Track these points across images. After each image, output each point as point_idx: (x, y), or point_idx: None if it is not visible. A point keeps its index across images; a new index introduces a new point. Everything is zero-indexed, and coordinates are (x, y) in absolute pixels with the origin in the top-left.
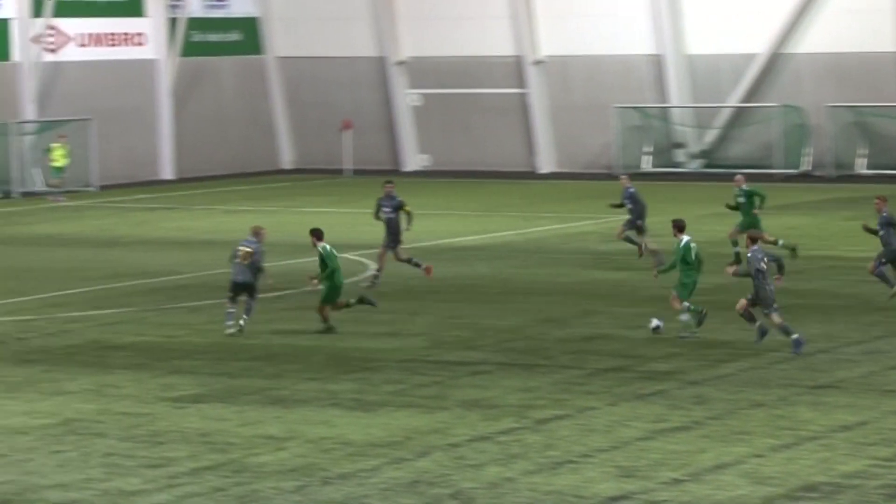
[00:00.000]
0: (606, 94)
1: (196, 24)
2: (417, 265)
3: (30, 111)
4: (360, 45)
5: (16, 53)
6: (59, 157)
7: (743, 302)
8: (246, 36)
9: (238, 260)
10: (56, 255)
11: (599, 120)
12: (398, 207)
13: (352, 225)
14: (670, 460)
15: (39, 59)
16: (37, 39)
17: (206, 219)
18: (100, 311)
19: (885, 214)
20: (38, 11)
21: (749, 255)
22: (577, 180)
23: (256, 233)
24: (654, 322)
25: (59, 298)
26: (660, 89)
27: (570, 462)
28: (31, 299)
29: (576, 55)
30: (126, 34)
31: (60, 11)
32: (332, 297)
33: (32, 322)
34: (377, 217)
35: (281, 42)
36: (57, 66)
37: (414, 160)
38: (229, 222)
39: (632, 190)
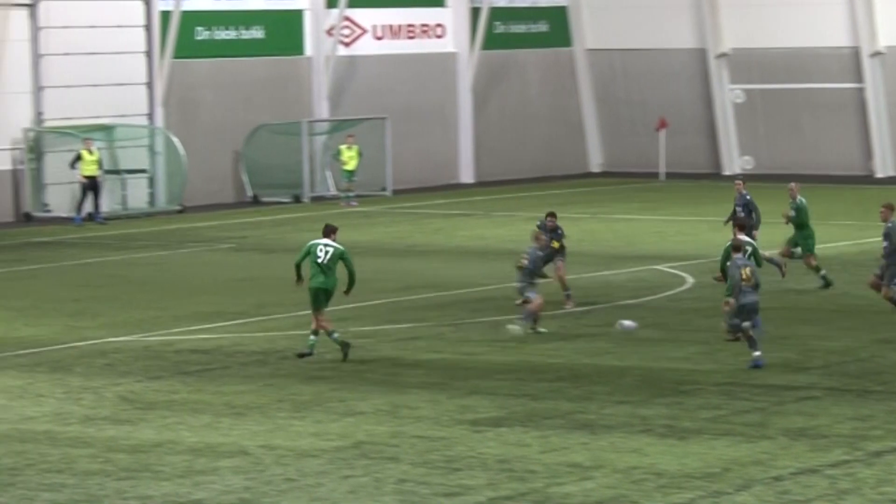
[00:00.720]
0: None
1: (499, 14)
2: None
3: (323, 109)
4: (678, 35)
5: (308, 47)
6: (349, 160)
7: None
8: (553, 27)
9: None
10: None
11: None
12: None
13: (663, 234)
14: None
15: (333, 52)
16: (331, 32)
17: (506, 226)
18: (393, 326)
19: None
20: (332, 2)
21: (729, 263)
22: None
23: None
24: (625, 323)
25: (350, 311)
26: None
27: None
28: None
29: None
30: (425, 26)
31: (356, 2)
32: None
33: (323, 336)
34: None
35: (590, 33)
36: (351, 60)
37: (735, 162)
38: (530, 230)
39: (748, 196)
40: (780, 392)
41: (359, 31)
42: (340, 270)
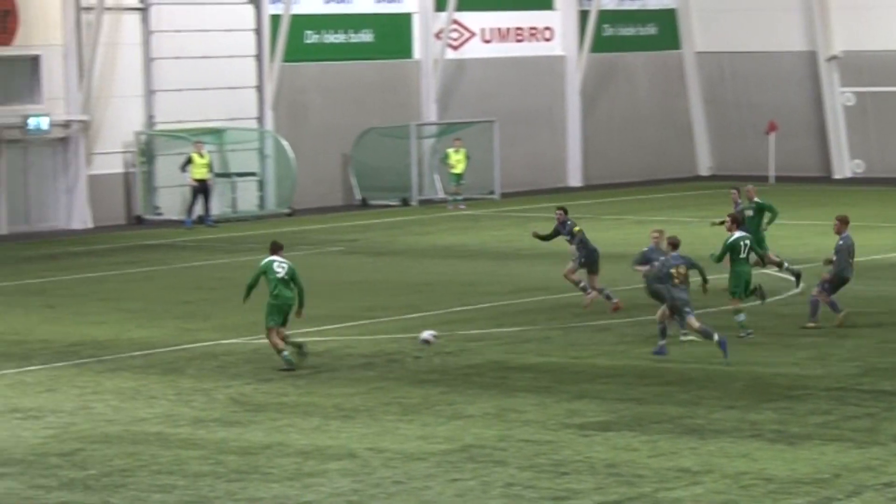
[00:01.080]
0: None
1: (608, 17)
2: None
3: (431, 112)
4: (788, 38)
5: (417, 50)
6: (457, 163)
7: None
8: (661, 30)
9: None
10: (455, 267)
11: None
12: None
13: (773, 237)
14: None
15: (442, 56)
16: (440, 35)
17: (614, 230)
18: (501, 329)
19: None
20: (441, 5)
21: (662, 258)
22: None
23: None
24: (424, 335)
25: (459, 314)
26: None
27: None
28: (429, 315)
29: None
30: (533, 29)
31: (464, 5)
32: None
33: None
34: None
35: (699, 36)
36: (459, 63)
37: (846, 166)
38: (640, 233)
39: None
40: (890, 398)
41: (467, 35)
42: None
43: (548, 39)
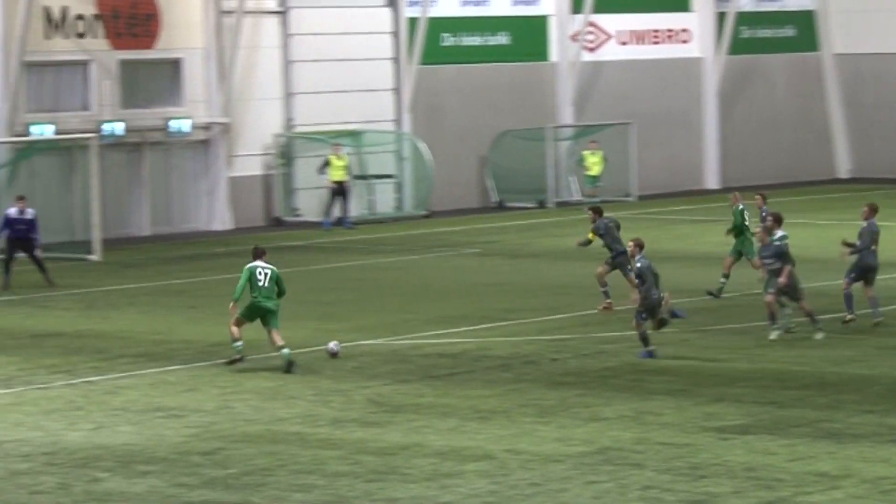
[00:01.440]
0: None
1: (746, 18)
2: None
3: (567, 114)
4: None
5: (553, 52)
6: (593, 165)
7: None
8: (800, 31)
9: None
10: (591, 269)
11: None
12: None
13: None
14: None
15: (578, 58)
16: (576, 37)
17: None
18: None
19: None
20: (577, 7)
21: (638, 264)
22: None
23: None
24: (330, 345)
25: (595, 317)
26: None
27: None
28: (566, 317)
29: None
30: (670, 31)
31: (601, 7)
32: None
33: (567, 342)
34: None
35: (839, 37)
36: (596, 65)
37: None
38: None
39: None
40: None
41: (603, 37)
42: None
43: (685, 41)
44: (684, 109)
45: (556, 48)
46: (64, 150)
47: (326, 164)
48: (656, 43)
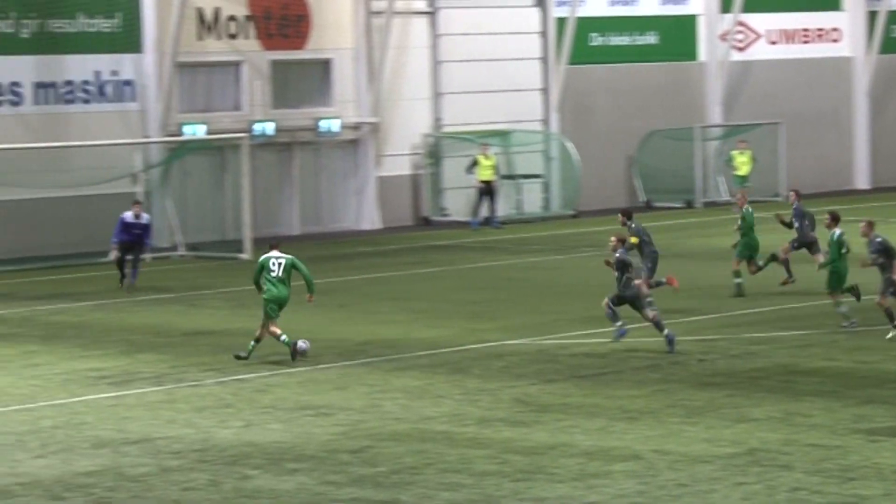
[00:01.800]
0: None
1: None
2: None
3: (716, 114)
4: None
5: (702, 52)
6: (741, 165)
7: (605, 300)
8: None
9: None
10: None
11: None
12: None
13: None
14: None
15: (727, 58)
16: (725, 37)
17: None
18: (786, 333)
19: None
20: (726, 7)
21: (616, 255)
22: None
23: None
24: (300, 343)
25: (742, 317)
26: None
27: None
28: (713, 317)
29: None
30: (820, 30)
31: (750, 6)
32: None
33: (715, 342)
34: None
35: None
36: (745, 65)
37: None
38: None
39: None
40: None
41: (753, 36)
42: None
43: (835, 41)
44: (834, 109)
45: (704, 48)
46: (215, 149)
47: (474, 163)
48: (806, 42)
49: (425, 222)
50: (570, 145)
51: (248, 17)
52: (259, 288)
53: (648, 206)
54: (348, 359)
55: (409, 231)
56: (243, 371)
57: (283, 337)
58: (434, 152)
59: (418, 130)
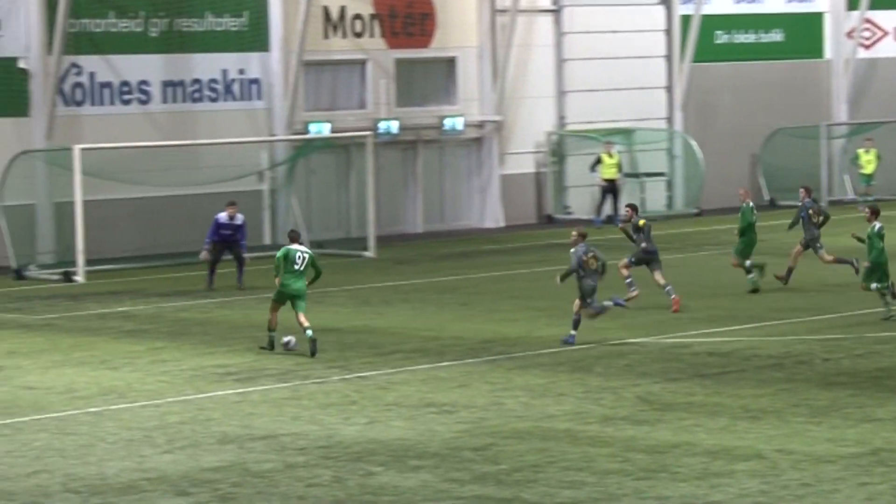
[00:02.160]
0: None
1: None
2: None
3: (841, 112)
4: None
5: (828, 49)
6: (867, 164)
7: (577, 302)
8: None
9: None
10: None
11: None
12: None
13: None
14: None
15: (853, 55)
16: (852, 34)
17: None
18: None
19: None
20: (853, 4)
21: (572, 250)
22: None
23: None
24: (285, 339)
25: (868, 317)
26: None
27: None
28: (837, 317)
29: None
30: None
31: (876, 4)
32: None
33: (840, 341)
34: None
35: None
36: (871, 62)
37: None
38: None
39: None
40: None
41: (880, 34)
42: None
43: None
44: None
45: (830, 45)
46: (340, 148)
47: (598, 161)
48: None
49: (548, 220)
50: (693, 143)
51: (374, 16)
52: (277, 273)
53: (773, 205)
54: (471, 357)
55: (532, 229)
56: (367, 368)
57: (309, 332)
58: (557, 150)
59: (542, 128)
